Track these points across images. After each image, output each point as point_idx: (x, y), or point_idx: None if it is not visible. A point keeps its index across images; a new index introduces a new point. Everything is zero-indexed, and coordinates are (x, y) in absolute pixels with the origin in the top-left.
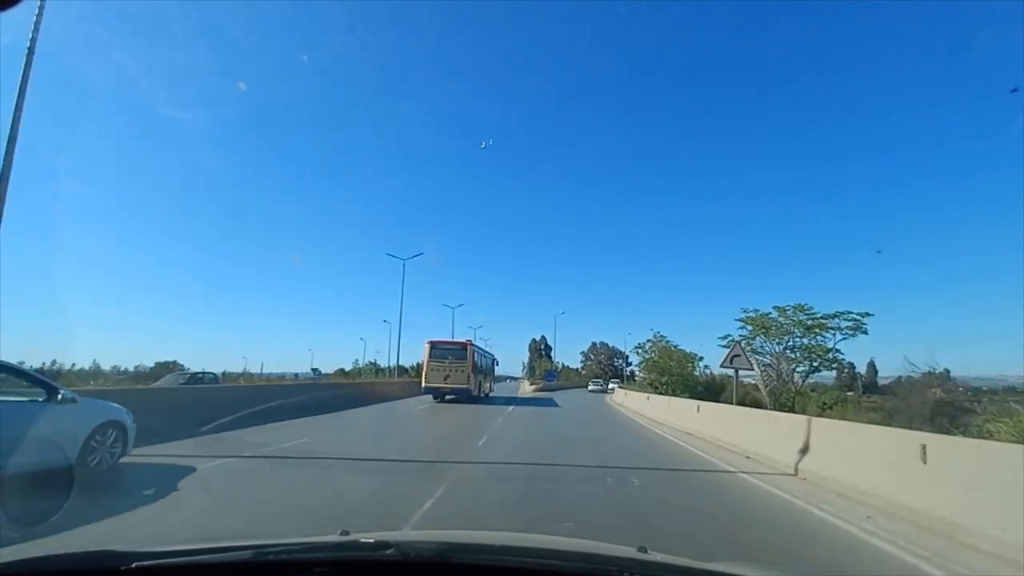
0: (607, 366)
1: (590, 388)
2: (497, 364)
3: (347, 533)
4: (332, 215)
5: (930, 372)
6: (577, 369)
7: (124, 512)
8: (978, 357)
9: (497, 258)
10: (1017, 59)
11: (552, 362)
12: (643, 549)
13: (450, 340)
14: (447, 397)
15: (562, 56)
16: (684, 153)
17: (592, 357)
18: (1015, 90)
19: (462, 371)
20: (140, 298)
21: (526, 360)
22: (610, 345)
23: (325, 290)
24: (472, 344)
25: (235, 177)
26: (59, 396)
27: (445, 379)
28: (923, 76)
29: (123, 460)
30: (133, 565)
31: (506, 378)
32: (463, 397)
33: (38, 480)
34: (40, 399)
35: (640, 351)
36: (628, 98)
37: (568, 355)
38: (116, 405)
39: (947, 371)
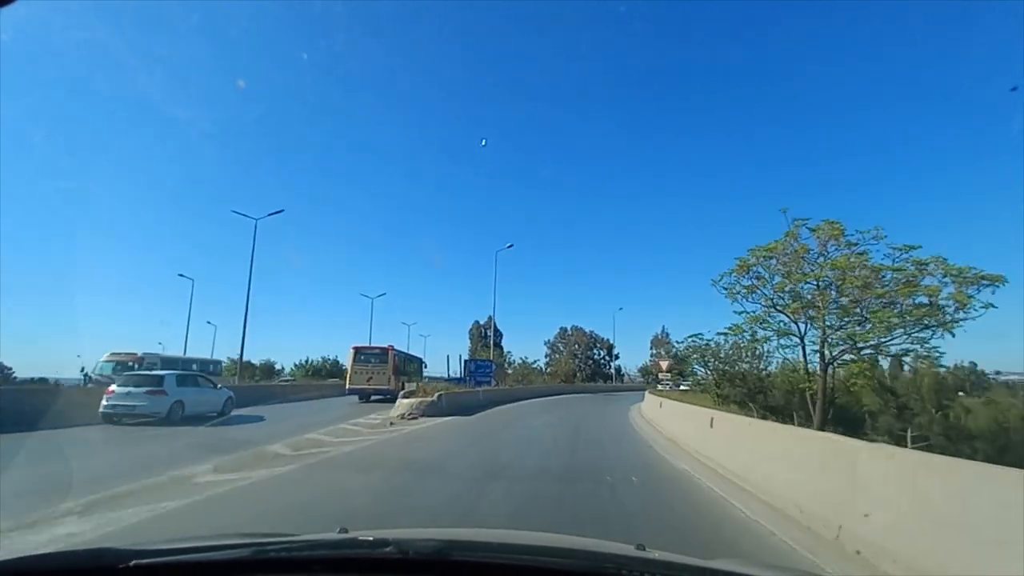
0: (584, 359)
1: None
2: (426, 366)
3: (346, 530)
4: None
5: (955, 367)
6: (540, 367)
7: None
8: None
9: (454, 250)
10: (1017, 56)
11: (500, 351)
12: (642, 547)
13: (373, 345)
14: (372, 398)
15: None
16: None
17: (562, 348)
18: (1015, 88)
19: (383, 373)
20: None
21: (468, 352)
22: (587, 331)
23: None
24: (394, 349)
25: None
26: (217, 386)
27: (368, 381)
28: (920, 73)
29: (232, 413)
30: (131, 563)
31: (448, 379)
32: (388, 397)
33: (208, 418)
34: (210, 387)
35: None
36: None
37: (531, 348)
38: (227, 388)
39: (973, 364)
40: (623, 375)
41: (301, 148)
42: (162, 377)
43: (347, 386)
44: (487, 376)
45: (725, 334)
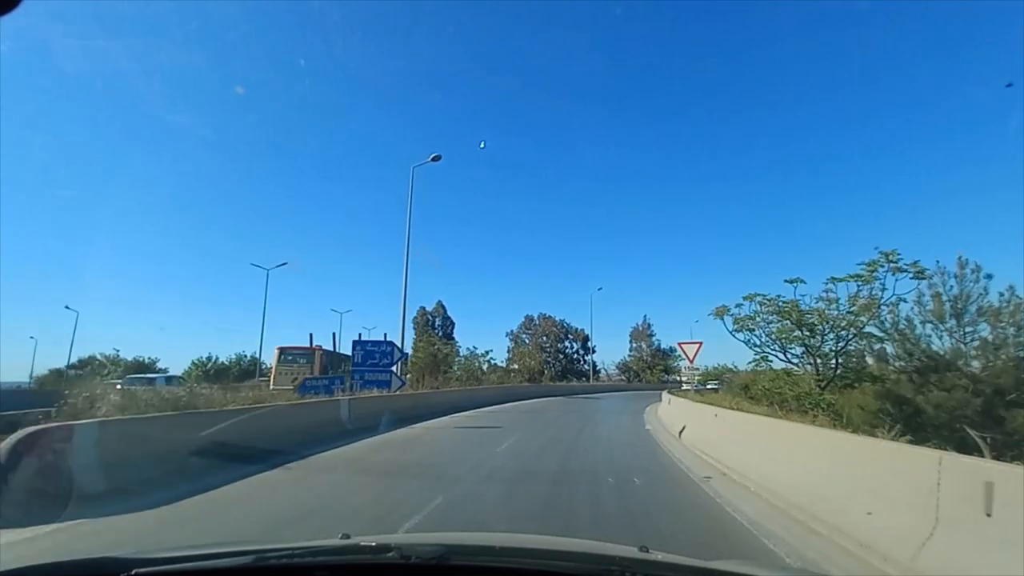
0: (553, 354)
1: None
2: None
3: (348, 536)
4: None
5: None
6: (498, 363)
7: None
8: None
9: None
10: (1013, 53)
11: (451, 342)
12: (644, 548)
13: (300, 346)
14: None
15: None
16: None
17: (527, 340)
18: (1010, 84)
19: (309, 375)
20: None
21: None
22: (558, 320)
23: None
24: (322, 349)
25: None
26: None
27: (293, 382)
28: (916, 71)
29: None
30: (133, 572)
31: (328, 379)
32: None
33: None
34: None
35: None
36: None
37: (495, 344)
38: None
39: None
40: (599, 372)
41: (299, 149)
42: (153, 379)
43: (271, 386)
44: (384, 372)
45: (853, 279)
